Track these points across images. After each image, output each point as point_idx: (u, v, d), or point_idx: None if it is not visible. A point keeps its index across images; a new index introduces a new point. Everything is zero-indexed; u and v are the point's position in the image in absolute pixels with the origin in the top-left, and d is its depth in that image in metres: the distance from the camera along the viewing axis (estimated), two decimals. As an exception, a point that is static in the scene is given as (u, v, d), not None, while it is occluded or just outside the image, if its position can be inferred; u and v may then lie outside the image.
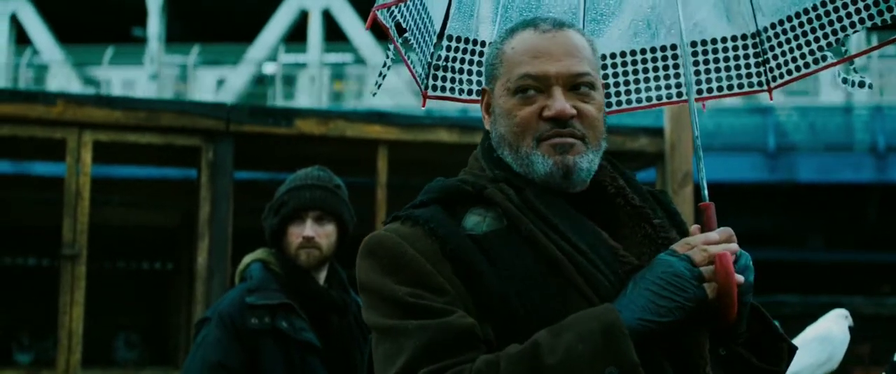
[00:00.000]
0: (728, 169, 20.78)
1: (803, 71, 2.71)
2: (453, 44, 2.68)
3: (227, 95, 24.38)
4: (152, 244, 9.89)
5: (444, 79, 2.69)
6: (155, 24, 26.27)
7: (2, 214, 9.34)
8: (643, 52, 2.81)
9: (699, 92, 2.78)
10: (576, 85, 2.13)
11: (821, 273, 21.59)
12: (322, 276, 4.09)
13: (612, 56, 2.80)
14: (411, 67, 2.55)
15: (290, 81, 26.09)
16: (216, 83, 26.02)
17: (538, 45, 2.15)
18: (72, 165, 6.60)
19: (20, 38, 26.60)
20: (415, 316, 1.97)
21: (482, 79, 2.57)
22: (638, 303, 1.95)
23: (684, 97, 2.77)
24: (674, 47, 2.79)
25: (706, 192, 2.23)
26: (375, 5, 2.27)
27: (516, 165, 2.16)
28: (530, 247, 2.03)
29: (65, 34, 26.04)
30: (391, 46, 2.45)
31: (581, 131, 2.12)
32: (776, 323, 2.30)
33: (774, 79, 2.76)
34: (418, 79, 2.61)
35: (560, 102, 2.10)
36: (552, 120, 2.10)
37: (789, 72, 2.73)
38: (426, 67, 2.64)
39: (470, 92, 2.69)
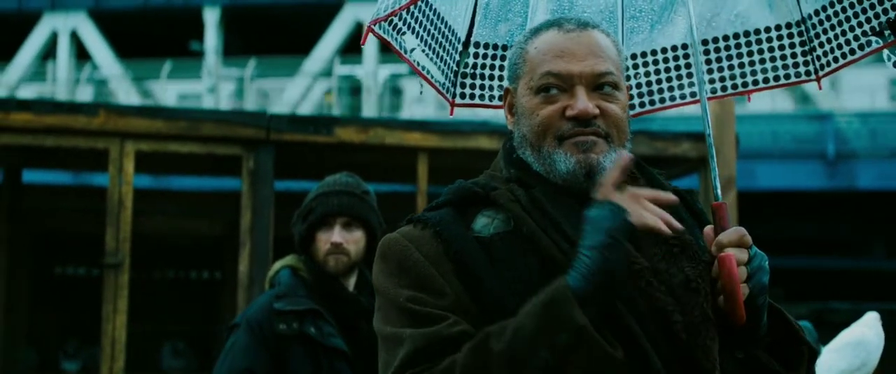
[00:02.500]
0: (787, 176, 20.58)
1: (849, 58, 2.66)
2: (480, 51, 2.68)
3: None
4: (200, 254, 9.98)
5: (472, 86, 2.70)
6: (212, 38, 26.53)
7: (52, 223, 9.50)
8: (684, 47, 2.77)
9: (744, 85, 2.75)
10: (599, 84, 2.13)
11: (882, 281, 21.24)
12: (351, 282, 4.09)
13: (653, 53, 2.78)
14: (429, 77, 2.55)
15: (355, 92, 26.23)
16: (273, 95, 26.21)
17: (562, 44, 2.15)
18: (114, 175, 6.67)
19: (80, 53, 26.99)
20: (412, 323, 2.00)
21: None
22: (578, 265, 1.92)
23: (729, 91, 2.76)
24: (715, 40, 2.76)
25: (719, 191, 2.20)
26: (369, 21, 2.29)
27: (538, 165, 2.15)
28: (533, 248, 2.03)
29: (124, 49, 26.39)
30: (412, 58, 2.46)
31: (604, 130, 2.11)
32: (805, 325, 2.26)
33: (822, 67, 2.71)
34: (440, 88, 2.61)
35: (583, 101, 2.09)
36: (575, 119, 2.10)
37: (836, 60, 2.68)
38: (453, 75, 2.64)
39: (500, 98, 2.66)
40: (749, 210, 20.34)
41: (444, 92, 2.63)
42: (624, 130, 2.15)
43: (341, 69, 26.36)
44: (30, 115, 6.64)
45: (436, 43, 2.54)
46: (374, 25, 2.33)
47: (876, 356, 4.70)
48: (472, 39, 2.66)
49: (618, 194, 1.97)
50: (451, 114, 2.75)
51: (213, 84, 26.14)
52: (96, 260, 6.73)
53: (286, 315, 3.89)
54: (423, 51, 2.49)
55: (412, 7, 2.44)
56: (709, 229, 2.10)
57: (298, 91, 26.01)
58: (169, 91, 26.12)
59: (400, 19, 2.40)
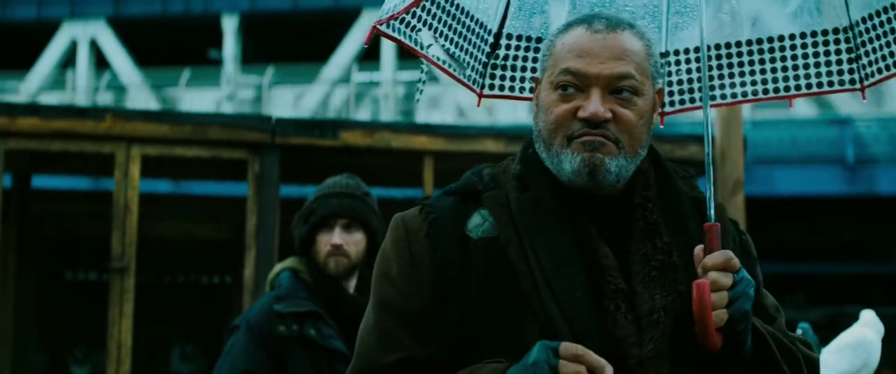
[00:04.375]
0: (806, 181, 20.46)
1: (893, 70, 2.58)
2: (513, 42, 2.65)
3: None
4: (210, 258, 10.01)
5: (501, 78, 2.67)
6: (230, 46, 26.62)
7: (62, 228, 9.54)
8: (728, 46, 2.72)
9: (787, 89, 2.68)
10: (617, 88, 2.11)
11: (901, 287, 21.13)
12: (352, 284, 4.10)
13: (697, 50, 2.71)
14: (451, 71, 2.53)
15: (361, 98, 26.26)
16: (292, 102, 26.26)
17: (585, 43, 2.13)
18: (120, 179, 6.71)
19: (99, 61, 27.12)
20: (370, 334, 2.14)
21: None
22: None
23: (771, 94, 2.69)
24: (759, 42, 2.70)
25: (712, 212, 2.15)
26: (375, 22, 2.31)
27: (549, 162, 2.14)
28: (505, 258, 2.05)
29: (143, 57, 26.49)
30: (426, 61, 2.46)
31: (614, 135, 2.09)
32: (803, 327, 2.22)
33: (867, 77, 2.63)
34: (466, 80, 2.59)
35: (595, 104, 2.08)
36: (585, 121, 2.09)
37: (880, 70, 2.60)
38: (482, 67, 2.63)
39: (531, 90, 2.65)
40: (768, 216, 20.32)
41: (471, 83, 2.61)
42: (637, 137, 2.12)
43: (359, 76, 26.39)
44: (37, 119, 6.69)
45: (459, 36, 2.52)
46: (380, 25, 2.33)
47: (876, 356, 4.67)
48: (505, 31, 2.64)
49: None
50: (479, 104, 2.72)
51: (231, 92, 26.21)
52: (104, 265, 6.76)
53: (286, 317, 3.90)
54: (444, 46, 2.48)
55: (428, 4, 2.44)
56: (699, 249, 2.07)
57: (316, 98, 26.05)
58: (187, 98, 26.21)
59: (413, 17, 2.40)
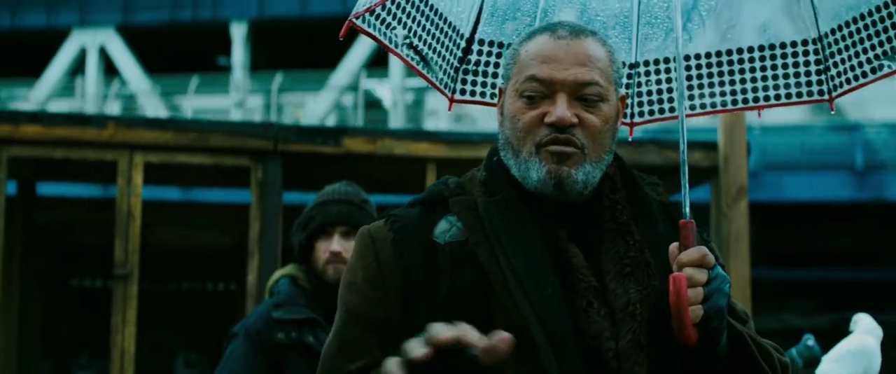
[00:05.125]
0: (815, 188, 20.43)
1: (862, 80, 2.59)
2: (484, 48, 2.65)
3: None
4: (214, 265, 10.02)
5: (473, 83, 2.67)
6: (239, 53, 26.68)
7: (66, 235, 9.57)
8: (698, 57, 2.73)
9: (755, 100, 2.69)
10: (582, 94, 2.12)
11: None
12: (350, 291, 4.09)
13: (666, 61, 2.74)
14: (423, 72, 2.54)
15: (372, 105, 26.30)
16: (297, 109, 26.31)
17: (549, 50, 2.14)
18: (123, 187, 6.71)
19: (109, 69, 27.21)
20: (333, 343, 2.15)
21: None
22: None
23: (740, 105, 2.70)
24: (729, 53, 2.71)
25: (687, 209, 2.16)
26: (351, 15, 2.30)
27: (515, 170, 2.16)
28: (474, 261, 2.06)
29: (152, 64, 26.57)
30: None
31: (581, 141, 2.10)
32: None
33: (835, 88, 2.64)
34: (437, 83, 2.60)
35: (561, 109, 2.09)
36: (552, 126, 2.10)
37: (848, 81, 2.61)
38: (453, 71, 2.63)
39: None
40: (777, 221, 20.28)
41: (443, 87, 2.61)
42: (603, 143, 2.14)
43: (368, 83, 26.43)
44: (40, 127, 6.70)
45: (432, 38, 2.53)
46: (355, 19, 2.33)
47: (877, 362, 4.64)
48: (477, 36, 2.65)
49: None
50: (450, 109, 2.72)
51: (240, 99, 26.27)
52: (108, 272, 6.77)
53: (285, 324, 3.89)
54: (418, 46, 2.48)
55: (403, 2, 2.45)
56: (674, 247, 2.08)
57: (325, 105, 26.09)
58: (196, 105, 26.28)
59: (388, 13, 2.40)
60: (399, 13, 2.44)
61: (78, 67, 27.39)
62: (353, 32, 2.40)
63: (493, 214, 2.10)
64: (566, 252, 2.09)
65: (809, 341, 4.83)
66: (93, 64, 27.10)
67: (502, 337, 1.79)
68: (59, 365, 9.63)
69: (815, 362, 4.77)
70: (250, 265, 6.78)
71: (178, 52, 27.31)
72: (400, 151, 7.07)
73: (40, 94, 26.47)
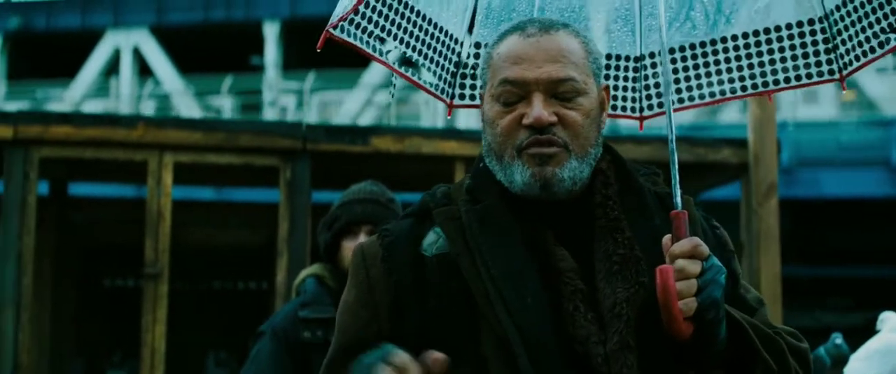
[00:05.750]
0: (850, 184, 20.26)
1: (870, 56, 2.53)
2: (481, 51, 2.61)
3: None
4: (245, 264, 10.06)
5: (472, 86, 2.64)
6: (272, 52, 26.75)
7: (99, 235, 9.63)
8: (703, 44, 2.68)
9: (765, 84, 2.65)
10: (558, 91, 2.08)
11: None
12: (377, 290, 4.09)
13: (671, 51, 2.69)
14: (414, 79, 2.50)
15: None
16: (332, 108, 26.37)
17: (520, 50, 2.10)
18: (153, 187, 6.76)
19: (143, 69, 27.37)
20: (330, 365, 2.15)
21: None
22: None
23: (750, 91, 2.66)
24: (734, 38, 2.66)
25: (678, 199, 2.11)
26: (328, 25, 2.27)
27: (500, 175, 2.12)
28: (458, 272, 2.03)
29: (185, 64, 26.70)
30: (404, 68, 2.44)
31: (562, 139, 2.06)
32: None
33: (845, 66, 2.59)
34: (432, 90, 2.57)
35: (538, 109, 2.04)
36: (531, 127, 2.06)
37: (857, 58, 2.55)
38: (450, 76, 2.60)
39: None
40: (812, 218, 20.11)
41: (439, 93, 2.58)
42: (586, 136, 2.09)
43: (401, 81, 26.40)
44: (70, 127, 6.76)
45: (422, 45, 2.49)
46: (333, 29, 2.29)
47: (905, 360, 4.58)
48: (473, 40, 2.61)
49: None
50: (449, 115, 2.68)
51: (273, 98, 26.35)
52: (140, 271, 6.82)
53: (311, 323, 3.91)
54: (406, 53, 2.45)
55: (385, 10, 2.40)
56: (667, 238, 2.03)
57: (358, 104, 26.13)
58: (230, 105, 26.38)
59: (369, 22, 2.36)
60: (382, 21, 2.39)
61: (112, 67, 27.57)
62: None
63: (474, 223, 2.06)
64: (552, 256, 2.05)
65: (837, 339, 4.79)
66: (127, 64, 27.27)
67: (435, 358, 1.87)
68: (91, 364, 9.70)
69: (844, 360, 4.72)
70: (279, 264, 6.82)
71: (211, 51, 27.43)
72: (428, 150, 7.08)
73: (75, 94, 26.67)
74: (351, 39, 2.33)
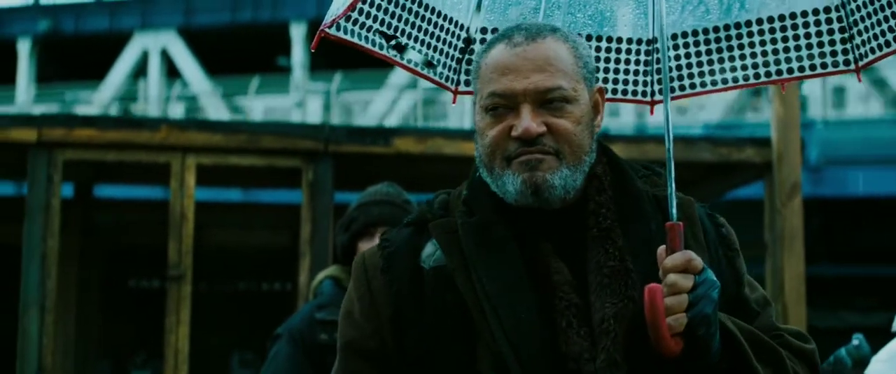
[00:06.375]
0: (880, 183, 20.08)
1: (886, 50, 2.46)
2: (488, 37, 2.52)
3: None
4: (269, 265, 10.09)
5: None
6: (299, 53, 26.82)
7: (124, 237, 9.69)
8: (716, 29, 2.62)
9: (779, 72, 2.59)
10: (547, 100, 2.05)
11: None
12: (393, 291, 4.09)
13: (684, 35, 2.63)
14: (416, 69, 2.48)
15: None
16: (358, 109, 26.40)
17: (506, 61, 2.07)
18: (176, 189, 6.79)
19: (170, 71, 27.49)
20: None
21: None
22: None
23: (763, 79, 2.60)
24: (748, 24, 2.60)
25: (674, 211, 2.08)
26: (322, 25, 2.25)
27: (493, 186, 2.10)
28: (452, 285, 2.03)
29: (212, 66, 26.80)
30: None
31: (553, 147, 2.04)
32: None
33: (861, 57, 2.52)
34: (437, 78, 2.52)
35: (526, 121, 2.03)
36: (520, 139, 2.04)
37: (873, 50, 2.49)
38: (455, 64, 2.54)
39: None
40: (840, 217, 19.96)
41: (444, 81, 2.52)
42: (578, 144, 2.07)
43: (427, 82, 26.40)
44: (93, 130, 6.80)
45: (424, 34, 2.45)
46: (329, 28, 2.26)
47: (926, 364, 4.51)
48: (479, 26, 2.55)
49: None
50: (454, 102, 2.62)
51: (300, 98, 26.41)
52: (164, 273, 6.86)
53: (328, 325, 3.90)
54: (408, 44, 2.41)
55: (384, 3, 2.37)
56: (661, 250, 2.00)
57: (384, 104, 26.16)
58: (257, 106, 26.46)
59: (367, 17, 2.33)
60: (380, 14, 2.35)
61: (140, 69, 27.70)
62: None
63: (469, 237, 2.06)
64: (548, 269, 2.04)
65: (857, 340, 4.72)
66: (155, 66, 27.39)
67: None
68: (116, 365, 9.77)
69: (865, 361, 4.65)
70: (302, 266, 6.84)
71: (239, 53, 27.51)
72: (450, 151, 7.08)
73: (104, 96, 26.81)
74: (348, 37, 2.30)
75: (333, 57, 27.38)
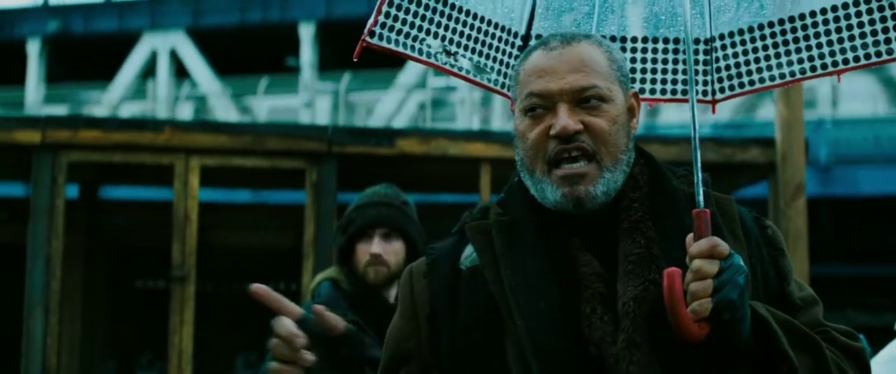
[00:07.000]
0: (890, 182, 20.03)
1: None
2: None
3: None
4: (274, 265, 10.10)
5: None
6: (307, 53, 26.85)
7: (130, 238, 9.71)
8: (770, 25, 2.63)
9: (834, 64, 2.58)
10: (584, 99, 2.11)
11: None
12: (392, 293, 4.08)
13: (740, 32, 2.65)
14: (471, 77, 2.52)
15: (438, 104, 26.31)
16: (366, 109, 26.42)
17: (543, 63, 2.15)
18: (179, 190, 6.81)
19: (179, 71, 27.55)
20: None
21: None
22: None
23: (819, 71, 2.59)
24: (802, 17, 2.61)
25: (700, 198, 2.12)
26: (364, 35, 2.30)
27: (533, 189, 2.15)
28: (484, 285, 2.09)
29: (221, 66, 26.84)
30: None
31: (591, 147, 2.10)
32: (813, 334, 2.12)
33: None
34: (493, 86, 2.57)
35: (563, 119, 2.08)
36: (557, 137, 2.09)
37: None
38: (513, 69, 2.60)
39: None
40: (850, 217, 19.92)
41: (501, 89, 2.59)
42: (614, 143, 2.12)
43: (435, 81, 26.45)
44: (98, 132, 6.82)
45: (476, 43, 2.53)
46: (369, 38, 2.33)
47: (927, 366, 4.48)
48: (533, 33, 2.61)
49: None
50: (512, 107, 2.72)
51: (309, 98, 26.43)
52: (168, 273, 6.88)
53: (324, 327, 3.91)
54: (459, 53, 2.47)
55: (429, 14, 2.44)
56: (689, 237, 2.02)
57: (393, 104, 26.17)
58: (266, 106, 26.50)
59: (411, 27, 2.41)
60: (426, 25, 2.43)
61: (149, 69, 27.76)
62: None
63: (499, 234, 2.12)
64: (576, 261, 2.08)
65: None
66: (164, 67, 27.45)
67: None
68: (122, 365, 9.78)
69: (866, 363, 4.63)
70: (305, 266, 6.86)
71: (248, 53, 27.56)
72: (454, 152, 7.09)
73: (113, 97, 26.88)
74: (392, 46, 2.37)
75: (342, 57, 27.43)
